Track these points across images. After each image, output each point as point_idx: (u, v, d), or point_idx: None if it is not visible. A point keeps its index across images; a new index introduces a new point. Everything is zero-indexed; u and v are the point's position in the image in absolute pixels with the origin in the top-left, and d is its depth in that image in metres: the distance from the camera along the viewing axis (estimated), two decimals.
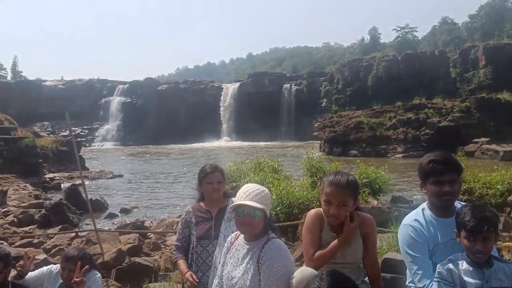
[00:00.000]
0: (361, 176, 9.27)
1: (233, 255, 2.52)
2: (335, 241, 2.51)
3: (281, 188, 8.56)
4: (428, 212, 2.59)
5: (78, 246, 6.82)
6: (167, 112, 59.64)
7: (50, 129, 55.32)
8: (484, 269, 2.32)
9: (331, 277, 1.64)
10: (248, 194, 2.42)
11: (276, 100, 59.75)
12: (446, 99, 36.48)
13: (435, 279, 2.36)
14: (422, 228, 2.54)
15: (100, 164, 31.00)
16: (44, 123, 57.01)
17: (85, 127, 58.09)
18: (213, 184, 3.26)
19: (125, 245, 8.36)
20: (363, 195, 8.38)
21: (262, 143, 50.55)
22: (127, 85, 65.91)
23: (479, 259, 2.32)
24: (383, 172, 9.72)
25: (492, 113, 30.77)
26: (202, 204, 3.36)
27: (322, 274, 1.70)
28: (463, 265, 2.35)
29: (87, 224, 12.21)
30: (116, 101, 62.95)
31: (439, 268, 2.36)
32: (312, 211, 2.69)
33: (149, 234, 10.54)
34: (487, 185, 10.58)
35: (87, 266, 3.19)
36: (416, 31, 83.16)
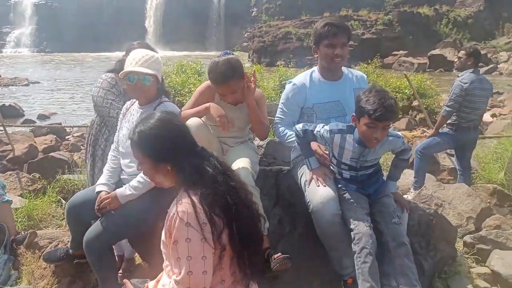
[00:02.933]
0: (280, 78, 9.58)
1: (128, 120, 2.62)
2: (204, 105, 2.68)
3: None
4: (316, 75, 2.82)
5: None
6: (88, 17, 55.00)
7: None
8: (366, 149, 2.44)
9: (143, 119, 1.87)
10: (137, 61, 2.46)
11: (205, 7, 57.17)
12: (371, 12, 37.08)
13: (318, 129, 2.50)
14: (304, 89, 2.76)
15: (14, 71, 28.72)
16: None
17: None
18: None
19: (41, 145, 8.17)
20: (280, 94, 8.71)
21: (190, 53, 49.12)
22: None
23: (373, 146, 2.40)
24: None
25: (412, 27, 31.95)
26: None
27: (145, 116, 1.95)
28: (349, 138, 2.44)
29: None
30: (28, 2, 56.82)
31: (326, 126, 2.50)
32: (206, 82, 2.84)
33: (68, 136, 10.30)
34: (397, 90, 11.43)
35: None
36: None
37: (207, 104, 2.67)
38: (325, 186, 2.45)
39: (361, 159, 2.47)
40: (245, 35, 47.43)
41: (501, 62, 26.79)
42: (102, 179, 2.62)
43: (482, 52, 28.57)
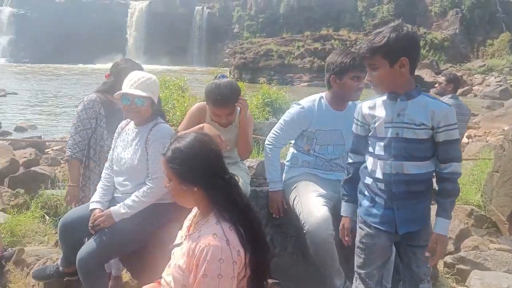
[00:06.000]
0: (263, 96, 9.70)
1: (123, 139, 2.66)
2: (198, 126, 2.79)
3: (186, 105, 8.70)
4: (324, 102, 2.86)
5: None
6: (66, 29, 54.51)
7: None
8: (398, 100, 2.01)
9: (178, 137, 1.86)
10: (133, 83, 2.51)
11: (187, 22, 57.43)
12: (351, 32, 37.98)
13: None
14: (311, 113, 2.82)
15: None
16: None
17: None
18: None
19: (20, 159, 8.02)
20: (264, 112, 8.84)
21: (171, 67, 49.12)
22: None
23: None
24: (284, 93, 10.24)
25: None
26: (108, 96, 3.13)
27: (177, 135, 1.98)
28: (377, 101, 2.09)
29: None
30: (6, 12, 56.01)
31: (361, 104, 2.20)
32: (197, 104, 2.98)
33: (47, 150, 10.16)
34: None
35: None
36: None
37: (201, 125, 2.76)
38: (323, 205, 2.53)
39: (396, 120, 2.00)
40: (227, 51, 47.83)
41: (476, 84, 27.74)
42: (96, 196, 2.64)
43: (458, 74, 29.55)
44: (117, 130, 2.76)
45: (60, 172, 7.68)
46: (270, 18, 53.54)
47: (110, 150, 2.94)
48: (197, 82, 28.87)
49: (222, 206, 1.73)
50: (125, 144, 2.62)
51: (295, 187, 2.79)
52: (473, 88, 26.98)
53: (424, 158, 2.00)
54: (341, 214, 2.27)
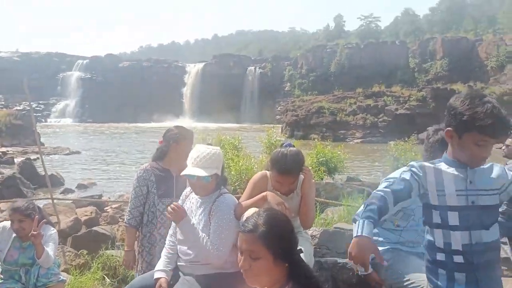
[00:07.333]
0: (318, 155, 9.61)
1: (187, 207, 2.66)
2: (262, 194, 2.71)
3: (241, 164, 8.75)
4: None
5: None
6: (128, 90, 58.31)
7: (3, 102, 52.85)
8: (468, 168, 1.89)
9: (268, 212, 1.78)
10: (199, 160, 2.53)
11: (240, 82, 59.61)
12: (404, 88, 37.66)
13: (405, 169, 1.98)
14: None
15: (57, 140, 30.11)
16: None
17: (41, 102, 55.94)
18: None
19: (81, 217, 8.31)
20: (319, 172, 8.71)
21: (225, 125, 50.54)
22: (87, 60, 63.85)
23: (479, 165, 1.91)
24: (339, 152, 10.10)
25: (446, 103, 31.82)
26: (160, 163, 3.29)
27: (261, 210, 1.82)
28: (442, 166, 1.94)
29: (42, 197, 11.97)
30: (75, 76, 60.90)
31: (413, 163, 2.00)
32: (260, 172, 2.97)
33: (106, 208, 10.48)
34: None
35: (44, 220, 3.22)
36: (379, 21, 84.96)
37: (264, 193, 2.72)
38: None
39: (470, 187, 1.87)
40: (278, 109, 48.76)
41: None
42: (160, 265, 2.62)
43: None
44: (181, 197, 2.77)
45: (118, 230, 7.87)
46: (321, 76, 54.51)
47: (161, 214, 3.10)
48: (250, 139, 29.46)
49: (299, 281, 1.69)
50: (189, 212, 2.62)
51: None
52: None
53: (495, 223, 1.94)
54: (365, 235, 1.80)
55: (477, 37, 50.07)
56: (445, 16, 78.71)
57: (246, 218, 1.79)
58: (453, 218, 1.88)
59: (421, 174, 1.92)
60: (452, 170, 1.91)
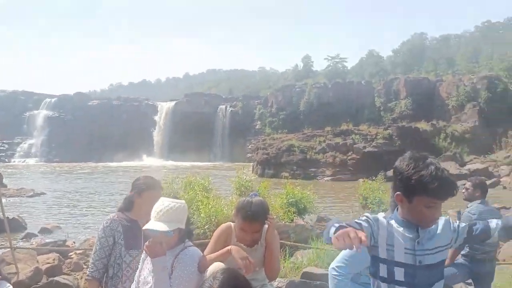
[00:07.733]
0: (288, 196, 9.63)
1: (149, 261, 2.60)
2: (226, 248, 2.69)
3: (210, 206, 8.66)
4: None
5: None
6: (98, 129, 57.52)
7: None
8: (419, 228, 1.94)
9: (224, 275, 1.75)
10: (161, 214, 2.50)
11: (211, 121, 59.91)
12: (371, 126, 38.68)
13: (362, 219, 1.97)
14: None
15: (21, 181, 29.10)
16: None
17: (4, 141, 54.33)
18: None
19: (43, 265, 7.94)
20: (288, 213, 8.70)
21: (195, 163, 50.23)
22: (55, 98, 62.89)
23: (430, 226, 1.96)
24: (308, 193, 10.15)
25: (411, 141, 33.07)
26: (127, 213, 3.22)
27: (217, 272, 1.79)
28: (393, 223, 1.99)
29: (1, 245, 11.41)
30: (42, 114, 59.73)
31: (367, 215, 2.02)
32: (224, 224, 2.96)
33: (70, 254, 10.07)
34: None
35: None
36: (346, 62, 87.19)
37: (228, 247, 2.69)
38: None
39: (418, 248, 1.92)
40: (249, 147, 48.95)
41: (503, 176, 27.16)
42: None
43: (483, 166, 29.25)
44: (143, 252, 2.71)
45: (82, 279, 7.54)
46: (291, 115, 55.46)
47: (127, 267, 3.04)
48: (222, 178, 29.27)
49: None
50: (151, 267, 2.55)
51: None
52: (500, 180, 26.39)
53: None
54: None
55: (437, 78, 52.40)
56: (406, 58, 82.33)
57: (203, 281, 1.76)
58: (399, 274, 1.93)
59: (374, 227, 1.95)
60: (401, 230, 1.96)
